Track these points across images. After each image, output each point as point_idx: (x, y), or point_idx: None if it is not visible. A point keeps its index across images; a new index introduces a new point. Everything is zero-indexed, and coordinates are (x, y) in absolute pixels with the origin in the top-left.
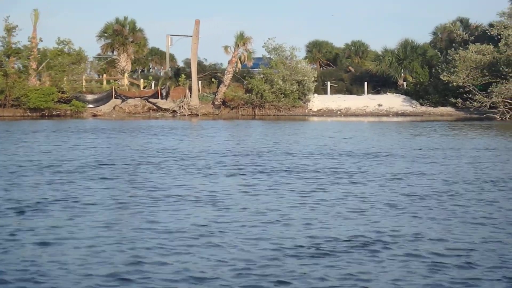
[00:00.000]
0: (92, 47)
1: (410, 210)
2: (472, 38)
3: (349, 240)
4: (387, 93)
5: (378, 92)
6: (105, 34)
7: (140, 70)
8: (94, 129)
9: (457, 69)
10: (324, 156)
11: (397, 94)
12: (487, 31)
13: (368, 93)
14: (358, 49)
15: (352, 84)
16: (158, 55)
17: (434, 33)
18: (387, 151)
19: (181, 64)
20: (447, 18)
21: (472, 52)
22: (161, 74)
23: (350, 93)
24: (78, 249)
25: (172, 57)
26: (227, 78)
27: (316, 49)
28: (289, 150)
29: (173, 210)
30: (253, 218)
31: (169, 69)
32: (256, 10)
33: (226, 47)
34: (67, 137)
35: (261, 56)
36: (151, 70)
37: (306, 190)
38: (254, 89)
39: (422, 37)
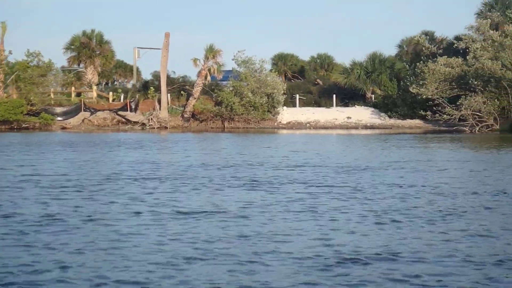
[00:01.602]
0: (57, 60)
1: (397, 225)
2: (440, 51)
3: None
4: (356, 105)
5: (346, 105)
6: (72, 47)
7: (105, 83)
8: (67, 142)
9: (426, 82)
10: (306, 169)
11: (365, 107)
12: (455, 45)
13: (336, 105)
14: (323, 62)
15: (321, 96)
16: (122, 67)
17: (400, 46)
18: (368, 164)
19: (147, 77)
20: (412, 31)
21: (441, 65)
22: (127, 86)
23: (319, 105)
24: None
25: (137, 70)
26: (197, 90)
27: (282, 62)
28: (269, 163)
29: (184, 224)
30: (251, 232)
31: (137, 82)
32: (219, 23)
33: (195, 60)
34: (50, 152)
35: (230, 69)
36: (115, 83)
37: (295, 204)
38: (223, 101)
39: (388, 50)
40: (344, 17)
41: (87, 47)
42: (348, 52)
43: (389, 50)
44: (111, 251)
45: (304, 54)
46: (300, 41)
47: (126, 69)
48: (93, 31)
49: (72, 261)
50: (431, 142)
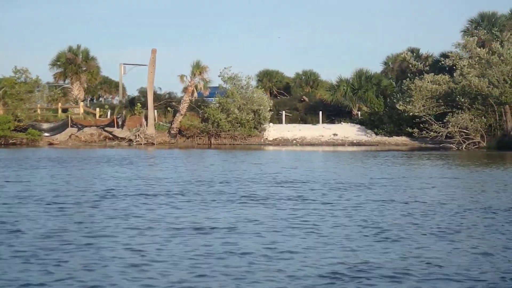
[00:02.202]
0: (43, 76)
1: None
2: (427, 68)
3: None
4: (342, 122)
5: (332, 122)
6: (58, 63)
7: (89, 99)
8: (56, 158)
9: (413, 99)
10: (301, 186)
11: (351, 124)
12: (441, 62)
13: (322, 122)
14: (308, 79)
15: (307, 113)
16: (107, 83)
17: (385, 63)
18: (360, 180)
19: (132, 93)
20: (396, 48)
21: (428, 82)
22: (112, 102)
23: (305, 122)
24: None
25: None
26: (184, 107)
27: (267, 78)
28: (265, 180)
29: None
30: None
31: (123, 98)
32: (203, 39)
33: (182, 76)
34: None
35: (216, 85)
36: (100, 99)
37: (293, 220)
38: (210, 118)
39: (373, 67)
40: (329, 34)
41: (73, 63)
42: (333, 68)
43: (374, 67)
44: (106, 269)
45: (289, 71)
46: (285, 58)
47: (111, 85)
48: (78, 47)
49: (67, 277)
50: (420, 159)
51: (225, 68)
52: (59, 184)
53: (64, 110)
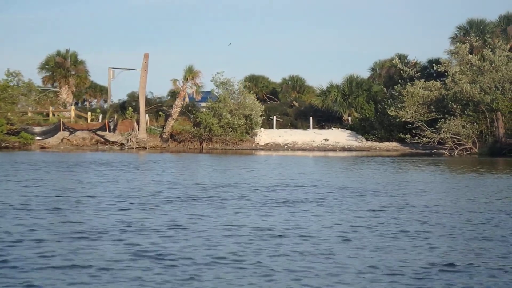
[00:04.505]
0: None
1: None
2: (418, 74)
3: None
4: (333, 128)
5: (322, 127)
6: (47, 66)
7: (75, 103)
8: (56, 162)
9: (404, 105)
10: (307, 190)
11: (342, 129)
12: (432, 68)
13: (313, 128)
14: (295, 84)
15: (297, 118)
16: (92, 87)
17: (373, 69)
18: (362, 186)
19: (119, 97)
20: (382, 55)
21: (419, 88)
22: (97, 106)
23: (295, 127)
24: None
25: (107, 90)
26: (176, 111)
27: (253, 83)
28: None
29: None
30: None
31: (111, 101)
32: (187, 44)
33: (174, 81)
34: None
35: (207, 90)
36: (85, 103)
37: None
38: (202, 122)
39: (359, 72)
40: (315, 39)
41: (62, 66)
42: (320, 74)
43: (361, 72)
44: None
45: (275, 76)
46: (270, 63)
47: (96, 89)
48: (67, 51)
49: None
50: (416, 165)
51: (217, 73)
52: (70, 188)
53: (54, 114)
